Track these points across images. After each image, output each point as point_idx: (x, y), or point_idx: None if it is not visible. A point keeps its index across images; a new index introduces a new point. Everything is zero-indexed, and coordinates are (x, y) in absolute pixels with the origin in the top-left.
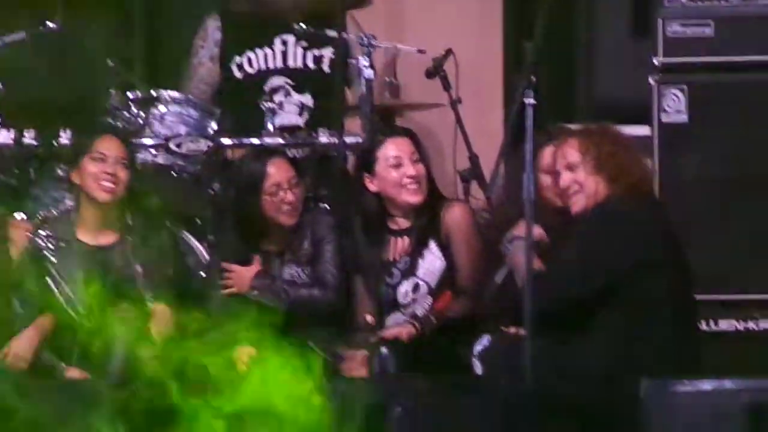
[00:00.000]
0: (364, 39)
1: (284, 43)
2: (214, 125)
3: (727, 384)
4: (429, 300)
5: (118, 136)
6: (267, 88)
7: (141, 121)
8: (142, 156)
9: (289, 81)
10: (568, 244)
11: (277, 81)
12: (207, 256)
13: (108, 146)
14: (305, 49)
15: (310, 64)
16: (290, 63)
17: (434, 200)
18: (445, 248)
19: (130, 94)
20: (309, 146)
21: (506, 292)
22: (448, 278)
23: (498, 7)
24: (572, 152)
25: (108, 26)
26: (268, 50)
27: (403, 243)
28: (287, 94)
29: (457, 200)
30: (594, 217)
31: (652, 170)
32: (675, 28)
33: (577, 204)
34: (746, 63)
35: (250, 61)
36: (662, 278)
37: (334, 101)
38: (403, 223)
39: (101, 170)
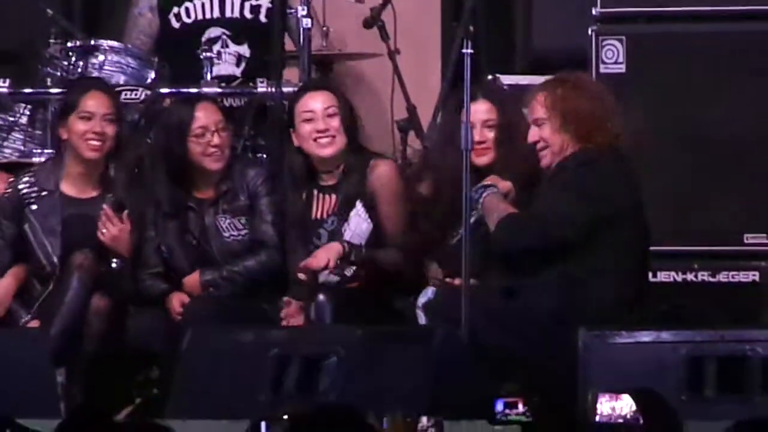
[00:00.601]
0: None
1: None
2: (152, 75)
3: (666, 335)
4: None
5: (103, 90)
6: (204, 38)
7: (80, 71)
8: None
9: (226, 31)
10: (544, 191)
11: (214, 32)
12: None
13: (94, 104)
14: None
15: (248, 14)
16: (228, 13)
17: (360, 156)
18: (371, 208)
19: (69, 44)
20: (246, 96)
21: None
22: (376, 240)
23: None
24: (538, 108)
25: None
26: (205, 0)
27: (329, 200)
28: (225, 44)
29: (383, 158)
30: (573, 166)
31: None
32: None
33: (545, 159)
34: (684, 13)
35: (187, 11)
36: (628, 232)
37: (272, 51)
38: (329, 179)
39: (89, 128)
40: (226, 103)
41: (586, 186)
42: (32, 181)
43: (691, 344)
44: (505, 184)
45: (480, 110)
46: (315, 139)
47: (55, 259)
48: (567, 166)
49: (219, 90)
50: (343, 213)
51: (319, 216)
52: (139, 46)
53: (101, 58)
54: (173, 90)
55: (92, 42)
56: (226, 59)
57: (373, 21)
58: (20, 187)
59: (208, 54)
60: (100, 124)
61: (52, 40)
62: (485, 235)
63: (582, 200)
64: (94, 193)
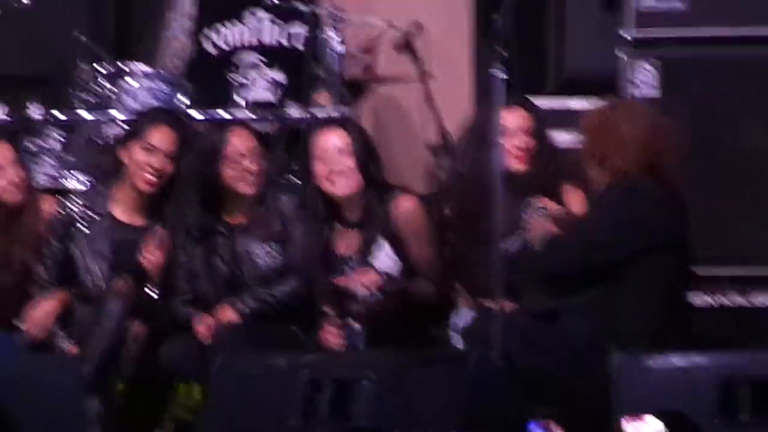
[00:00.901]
0: (335, 13)
1: (256, 16)
2: (184, 99)
3: (700, 359)
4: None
5: (172, 126)
6: (239, 63)
7: (111, 95)
8: (112, 130)
9: (261, 57)
10: (589, 213)
11: (250, 57)
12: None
13: (160, 138)
14: (278, 24)
15: (283, 41)
16: (264, 39)
17: (382, 192)
18: (397, 244)
19: (100, 68)
20: (278, 121)
21: (518, 260)
22: (403, 274)
23: None
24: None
25: (78, 0)
26: (240, 25)
27: (353, 237)
28: (259, 69)
29: (405, 193)
30: (617, 191)
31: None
32: (647, 2)
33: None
34: (718, 37)
35: (224, 36)
36: (667, 259)
37: (305, 76)
38: (352, 215)
39: (149, 161)
40: (259, 128)
41: (628, 214)
42: (83, 204)
43: (725, 368)
44: (556, 207)
45: (517, 116)
46: (328, 178)
47: (102, 283)
48: (612, 190)
49: (251, 115)
50: (367, 251)
51: (343, 252)
52: (172, 70)
53: (133, 82)
54: (204, 115)
55: (123, 66)
56: (261, 84)
57: (404, 45)
58: (71, 207)
59: (240, 79)
60: (161, 160)
61: (83, 65)
62: (525, 256)
63: (622, 228)
64: (143, 222)
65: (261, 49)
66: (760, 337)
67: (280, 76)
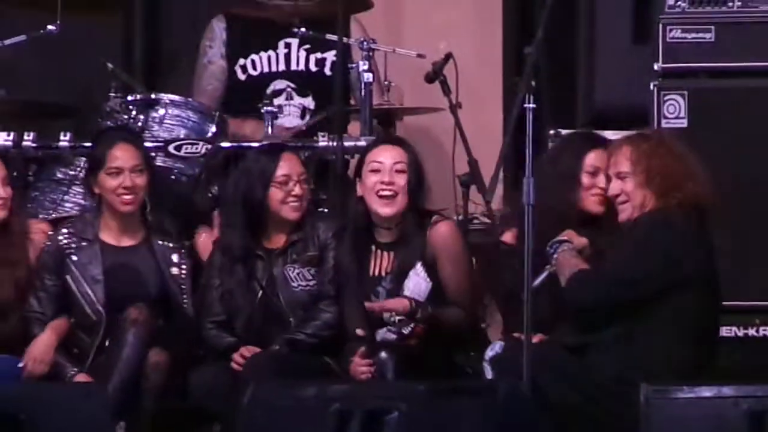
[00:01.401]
0: (364, 43)
1: (287, 46)
2: (213, 128)
3: (727, 390)
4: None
5: (128, 141)
6: (269, 91)
7: (140, 124)
8: None
9: (291, 84)
10: (616, 246)
11: (279, 84)
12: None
13: (121, 157)
14: (308, 51)
15: (313, 68)
16: (293, 66)
17: (421, 216)
18: (431, 268)
19: (129, 97)
20: (308, 149)
21: (545, 296)
22: (435, 300)
23: (498, 11)
24: (624, 161)
25: (107, 29)
26: (271, 53)
27: (388, 258)
28: (289, 97)
29: (444, 218)
30: (649, 225)
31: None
32: (676, 34)
33: (624, 213)
34: (746, 69)
35: (253, 63)
36: (696, 295)
37: (336, 105)
38: (388, 236)
39: (119, 183)
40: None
41: (658, 248)
42: (71, 232)
43: (752, 399)
44: (581, 240)
45: (603, 158)
46: (378, 192)
47: (100, 308)
48: (643, 223)
49: (281, 143)
50: (401, 273)
51: (376, 273)
52: (212, 92)
53: (161, 111)
54: (234, 144)
55: (152, 95)
56: (291, 111)
57: (434, 75)
58: (60, 238)
59: (270, 108)
60: (129, 178)
61: (112, 94)
62: (557, 290)
63: (651, 262)
64: (133, 241)
65: (290, 75)
66: None
67: (309, 103)
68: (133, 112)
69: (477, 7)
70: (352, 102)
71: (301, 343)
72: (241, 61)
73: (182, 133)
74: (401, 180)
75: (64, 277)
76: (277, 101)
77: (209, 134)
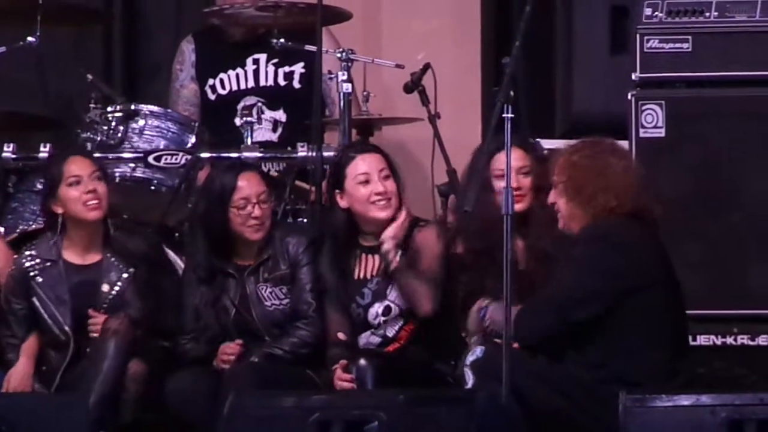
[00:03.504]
0: (343, 53)
1: (256, 62)
2: (192, 139)
3: (705, 399)
4: (400, 322)
5: (81, 154)
6: (239, 107)
7: (120, 135)
8: (120, 170)
9: (261, 99)
10: (560, 268)
11: (249, 100)
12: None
13: (78, 167)
14: (276, 66)
15: (281, 82)
16: (262, 82)
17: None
18: (412, 266)
19: (109, 108)
20: (287, 160)
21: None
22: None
23: (476, 22)
24: (555, 170)
25: (87, 40)
26: (240, 71)
27: (374, 261)
28: (261, 111)
29: (430, 222)
30: (583, 242)
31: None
32: (653, 44)
33: (559, 222)
34: (723, 78)
35: (222, 82)
36: (652, 301)
37: (312, 116)
38: (372, 240)
39: (81, 192)
40: (266, 168)
41: (595, 264)
42: (34, 254)
43: (730, 407)
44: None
45: (514, 157)
46: (373, 202)
47: (68, 329)
48: (579, 240)
49: (259, 155)
50: (386, 275)
51: (362, 276)
52: (188, 116)
53: (141, 122)
54: (214, 154)
55: (132, 107)
56: (263, 125)
57: (413, 85)
58: (23, 261)
59: (249, 119)
60: (90, 184)
61: (92, 105)
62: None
63: (592, 280)
64: (96, 258)
65: (259, 91)
66: (766, 377)
67: (280, 116)
68: (113, 123)
69: (455, 18)
70: (327, 113)
71: (278, 358)
72: (210, 81)
73: (162, 143)
74: (391, 185)
75: (31, 299)
76: (246, 119)
77: (189, 145)
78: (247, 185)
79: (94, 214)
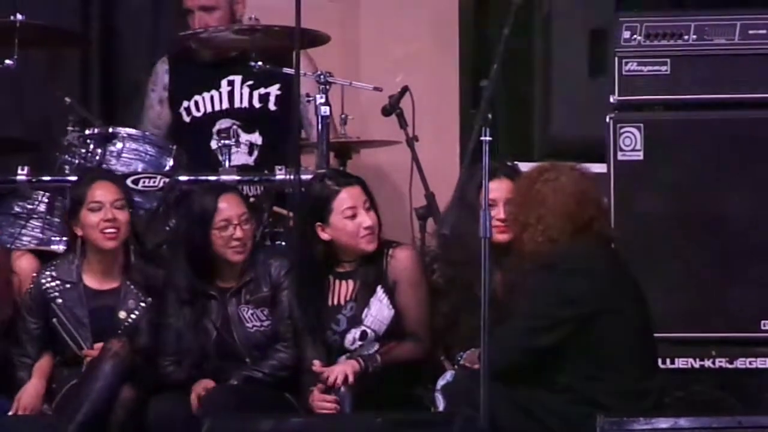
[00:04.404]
0: (321, 76)
1: (231, 84)
2: (170, 162)
3: (683, 422)
4: (376, 345)
5: (108, 179)
6: (215, 130)
7: (98, 158)
8: None
9: (236, 122)
10: (521, 297)
11: (225, 123)
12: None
13: (102, 193)
14: (251, 88)
15: (256, 104)
16: (236, 104)
17: (379, 244)
18: (392, 294)
19: (86, 131)
20: (265, 183)
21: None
22: (397, 326)
23: (454, 45)
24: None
25: (64, 63)
26: (214, 92)
27: (347, 286)
28: (236, 135)
29: (403, 244)
30: (538, 272)
31: (604, 209)
32: (631, 67)
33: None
34: (702, 101)
35: (197, 104)
36: (617, 321)
37: (289, 138)
38: (347, 266)
39: (101, 219)
40: (244, 191)
41: (550, 293)
42: (54, 275)
43: (708, 431)
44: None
45: (502, 188)
46: (362, 236)
47: (86, 348)
48: (533, 270)
49: (237, 177)
50: (361, 298)
51: (335, 303)
52: (156, 137)
53: (119, 145)
54: (192, 177)
55: (110, 129)
56: (240, 149)
57: (391, 108)
58: (42, 281)
59: (226, 141)
60: (111, 212)
61: (70, 128)
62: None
63: (549, 307)
64: (115, 284)
65: (234, 114)
66: (744, 400)
67: (255, 139)
68: (91, 146)
69: (433, 41)
70: (303, 135)
71: (258, 381)
72: (185, 103)
73: (140, 166)
74: (374, 217)
75: (49, 319)
76: (222, 142)
77: (167, 168)
78: (228, 207)
79: (110, 244)
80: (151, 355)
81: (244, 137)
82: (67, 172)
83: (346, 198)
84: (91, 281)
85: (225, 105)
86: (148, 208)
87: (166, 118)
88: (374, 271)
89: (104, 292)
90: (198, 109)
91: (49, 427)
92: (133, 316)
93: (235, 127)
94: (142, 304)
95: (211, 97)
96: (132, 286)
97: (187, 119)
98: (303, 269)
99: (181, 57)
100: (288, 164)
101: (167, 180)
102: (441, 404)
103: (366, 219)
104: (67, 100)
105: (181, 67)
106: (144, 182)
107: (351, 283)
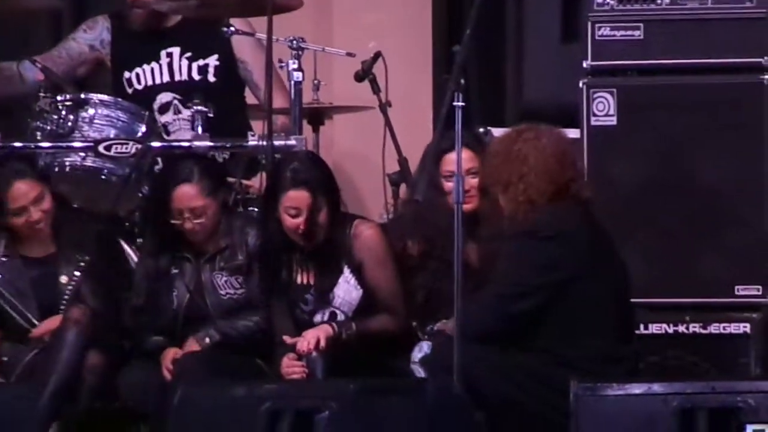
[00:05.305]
0: (294, 42)
1: (169, 55)
2: (143, 128)
3: (657, 387)
4: None
5: (22, 178)
6: (157, 105)
7: (70, 124)
8: (71, 159)
9: (176, 96)
10: (498, 263)
11: (165, 97)
12: (136, 260)
13: (18, 196)
14: (190, 60)
15: (196, 76)
16: (176, 77)
17: (341, 220)
18: (360, 274)
19: (59, 97)
20: (237, 149)
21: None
22: (368, 304)
23: (427, 10)
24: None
25: (36, 29)
26: (155, 65)
27: (312, 266)
28: (177, 111)
29: (364, 220)
30: (514, 238)
31: (581, 172)
32: (604, 31)
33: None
34: (675, 66)
35: (138, 77)
36: (594, 286)
37: (233, 109)
38: (312, 244)
39: (24, 221)
40: (219, 157)
41: (529, 258)
42: None
43: (682, 396)
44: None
45: (462, 158)
46: (298, 234)
47: (36, 321)
48: (511, 235)
49: (210, 143)
50: (326, 279)
51: (304, 281)
52: (54, 61)
53: (91, 111)
54: (164, 143)
55: (82, 95)
56: (180, 126)
57: (364, 74)
58: None
59: (160, 119)
60: (36, 213)
61: (42, 94)
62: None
63: (527, 274)
64: (51, 250)
65: (174, 87)
66: (718, 365)
67: (197, 111)
68: (63, 113)
69: (406, 7)
70: (251, 101)
71: (229, 336)
72: (126, 74)
73: (112, 133)
74: (317, 217)
75: None
76: (164, 118)
77: (139, 134)
78: (179, 200)
79: (37, 234)
80: (107, 317)
81: (186, 112)
82: (39, 138)
83: (291, 197)
84: (27, 251)
85: (165, 78)
86: (121, 174)
87: (85, 60)
88: (337, 249)
89: (41, 259)
90: (139, 82)
91: (22, 398)
92: (75, 279)
93: (176, 101)
94: (81, 264)
95: (152, 70)
96: (67, 250)
97: (129, 91)
98: (268, 242)
99: (123, 21)
100: (235, 134)
101: (139, 146)
102: (420, 375)
103: (303, 221)
104: (39, 65)
105: (123, 34)
106: (116, 148)
107: (317, 262)
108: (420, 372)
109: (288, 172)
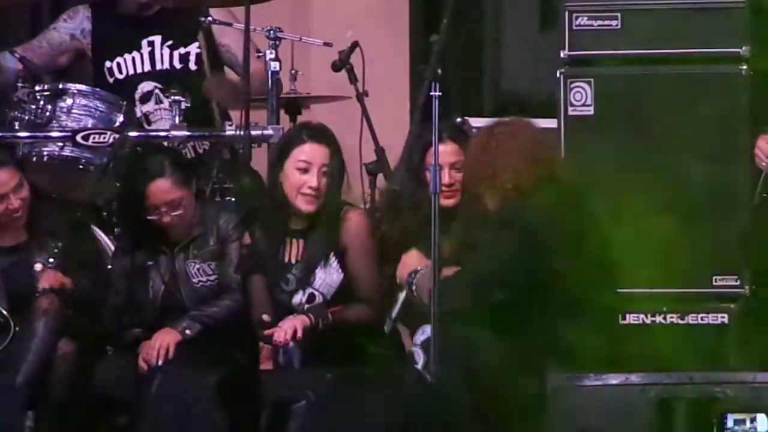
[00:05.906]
0: (271, 31)
1: (151, 44)
2: (120, 118)
3: (635, 378)
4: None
5: (4, 164)
6: (138, 94)
7: (48, 114)
8: (48, 149)
9: (158, 85)
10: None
11: (147, 86)
12: (113, 249)
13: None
14: (171, 48)
15: (177, 65)
16: (158, 65)
17: (332, 204)
18: (343, 259)
19: (37, 87)
20: (214, 139)
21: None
22: (346, 290)
23: (405, 1)
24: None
25: (14, 18)
26: (136, 54)
27: (298, 246)
28: (158, 100)
29: (354, 207)
30: (492, 229)
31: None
32: (582, 21)
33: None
34: (652, 56)
35: (119, 66)
36: (574, 276)
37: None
38: (300, 223)
39: (4, 209)
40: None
41: (505, 251)
42: None
43: (660, 386)
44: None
45: (447, 152)
46: (302, 191)
47: (4, 311)
48: (488, 225)
49: (187, 133)
50: (311, 260)
51: (287, 260)
52: (36, 51)
53: (69, 101)
54: (142, 133)
55: (60, 86)
56: (162, 115)
57: (341, 64)
58: None
59: (142, 108)
60: (13, 202)
61: (20, 84)
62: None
63: (502, 266)
64: (22, 238)
65: (155, 76)
66: (695, 356)
67: (178, 100)
68: (41, 102)
69: None
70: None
71: (206, 325)
72: (107, 63)
73: (90, 122)
74: (325, 182)
75: None
76: (145, 108)
77: (117, 124)
78: (154, 196)
79: (11, 223)
80: (78, 303)
81: (167, 102)
82: (17, 128)
83: (306, 151)
84: None
85: (147, 67)
86: (98, 164)
87: (66, 50)
88: (325, 233)
89: (12, 248)
90: (120, 71)
91: (5, 384)
92: (50, 265)
93: (157, 90)
94: (56, 250)
95: (133, 59)
96: (40, 237)
97: (110, 80)
98: (259, 216)
99: (104, 10)
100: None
101: (117, 136)
102: (421, 359)
103: (314, 180)
104: (17, 55)
105: (103, 22)
106: (94, 138)
107: (302, 242)
108: (420, 355)
109: (306, 128)
